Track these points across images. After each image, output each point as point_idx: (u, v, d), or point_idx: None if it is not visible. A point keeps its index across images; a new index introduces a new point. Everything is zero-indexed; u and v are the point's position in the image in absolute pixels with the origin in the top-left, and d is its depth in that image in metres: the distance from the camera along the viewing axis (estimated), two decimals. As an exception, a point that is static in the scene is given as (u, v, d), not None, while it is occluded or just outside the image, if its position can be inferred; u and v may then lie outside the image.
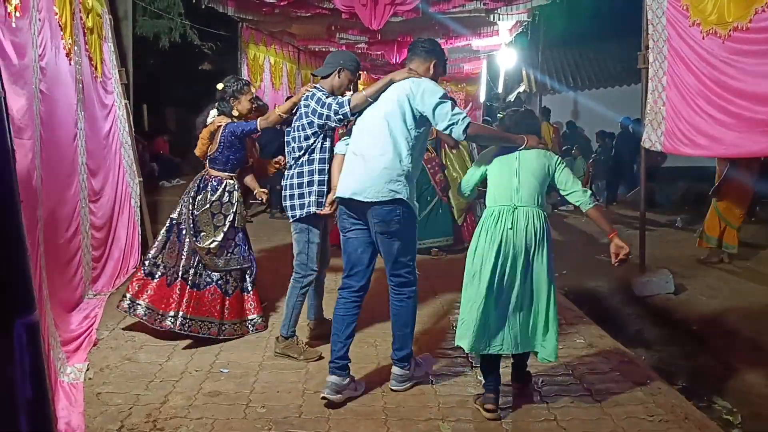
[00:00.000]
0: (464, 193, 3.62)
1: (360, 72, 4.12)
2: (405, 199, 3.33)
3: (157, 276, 4.26)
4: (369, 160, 3.33)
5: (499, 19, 8.87)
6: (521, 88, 13.40)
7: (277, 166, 4.62)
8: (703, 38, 4.75)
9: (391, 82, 3.43)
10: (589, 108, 12.99)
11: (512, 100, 13.74)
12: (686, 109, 5.22)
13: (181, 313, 4.08)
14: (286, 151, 4.01)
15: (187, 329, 4.07)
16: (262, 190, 4.50)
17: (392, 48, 11.18)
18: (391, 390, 3.51)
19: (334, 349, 3.42)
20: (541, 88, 11.57)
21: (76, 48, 4.61)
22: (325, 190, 3.82)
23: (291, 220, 3.95)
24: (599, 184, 11.96)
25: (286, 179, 3.94)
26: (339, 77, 3.81)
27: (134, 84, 7.18)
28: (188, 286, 4.13)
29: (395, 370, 3.53)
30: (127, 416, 3.17)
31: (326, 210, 3.79)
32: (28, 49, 3.35)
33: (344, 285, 3.51)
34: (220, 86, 4.25)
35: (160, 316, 4.13)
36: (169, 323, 4.07)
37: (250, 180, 4.59)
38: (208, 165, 4.28)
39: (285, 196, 3.93)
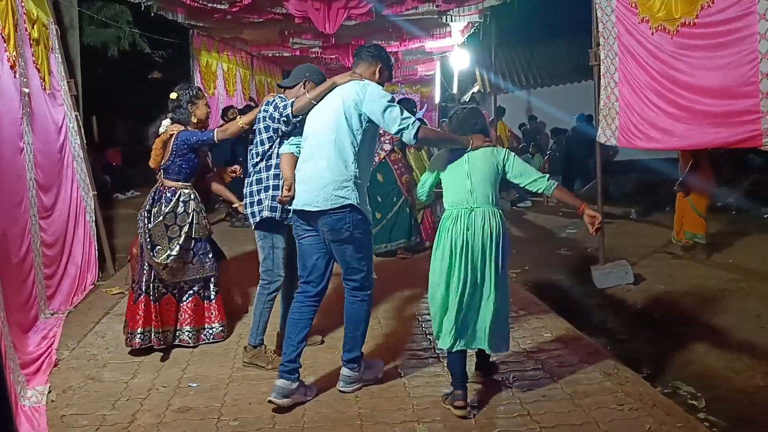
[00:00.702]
0: (421, 198, 3.65)
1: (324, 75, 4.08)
2: (355, 204, 3.32)
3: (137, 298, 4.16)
4: (316, 168, 3.34)
5: (451, 20, 8.95)
6: (475, 89, 13.56)
7: (233, 174, 4.58)
8: (652, 34, 4.88)
9: (334, 85, 3.43)
10: (542, 107, 13.24)
11: (467, 100, 13.88)
12: (638, 104, 5.35)
13: (148, 328, 4.05)
14: (248, 158, 3.98)
15: (147, 342, 4.06)
16: (240, 203, 4.28)
17: (347, 52, 11.15)
18: (339, 391, 3.52)
19: (285, 352, 3.41)
20: (495, 88, 11.72)
21: (20, 60, 4.44)
22: (279, 195, 3.75)
23: (253, 227, 3.91)
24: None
25: (246, 186, 3.91)
26: (304, 89, 3.75)
27: (83, 95, 6.98)
28: (151, 300, 4.08)
29: (344, 371, 3.55)
30: (94, 438, 3.07)
31: (284, 198, 3.62)
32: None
33: (301, 290, 3.51)
34: (173, 95, 4.16)
35: (130, 335, 4.10)
36: (138, 340, 4.05)
37: (222, 190, 4.49)
38: (162, 176, 4.17)
39: (246, 203, 3.90)
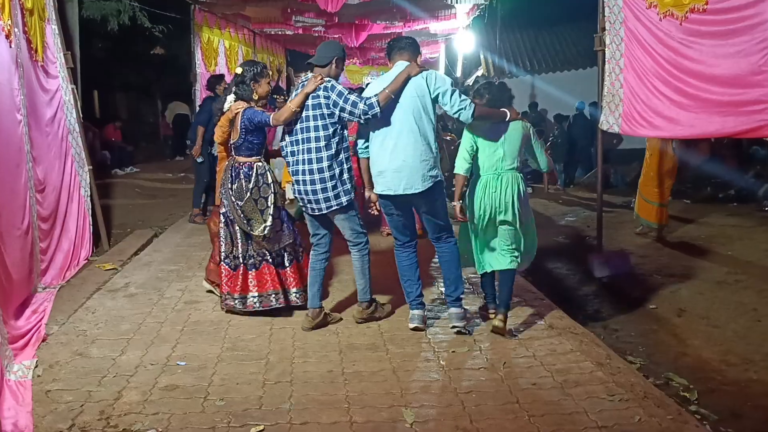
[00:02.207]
0: (464, 165, 4.00)
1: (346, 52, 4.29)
2: (442, 178, 3.92)
3: (239, 267, 4.32)
4: (405, 156, 3.80)
5: (456, 2, 8.83)
6: (479, 72, 13.40)
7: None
8: (660, 20, 4.78)
9: (408, 78, 3.79)
10: (546, 92, 13.10)
11: (470, 84, 13.75)
12: (643, 91, 5.26)
13: (250, 294, 4.28)
14: (287, 142, 4.03)
15: (259, 306, 4.29)
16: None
17: (350, 31, 11.04)
18: (452, 328, 4.04)
19: (410, 291, 4.10)
20: (499, 72, 11.59)
21: (15, 30, 4.36)
22: (352, 174, 4.03)
23: (326, 212, 4.00)
24: (556, 167, 12.09)
25: (305, 174, 3.94)
26: (336, 67, 3.99)
27: (83, 69, 6.89)
28: (248, 269, 4.29)
29: (453, 310, 4.08)
30: (78, 414, 3.04)
31: (374, 212, 4.21)
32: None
33: (406, 247, 4.11)
34: (238, 70, 4.22)
35: (228, 298, 4.33)
36: (235, 304, 4.30)
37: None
38: (233, 153, 4.27)
39: (307, 191, 3.96)
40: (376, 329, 4.17)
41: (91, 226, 6.04)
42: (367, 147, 4.00)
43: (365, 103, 3.76)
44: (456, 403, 3.18)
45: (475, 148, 3.98)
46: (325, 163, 3.89)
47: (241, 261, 4.30)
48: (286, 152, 4.07)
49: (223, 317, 4.36)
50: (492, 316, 4.10)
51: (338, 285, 5.12)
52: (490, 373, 3.53)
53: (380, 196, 3.99)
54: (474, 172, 4.04)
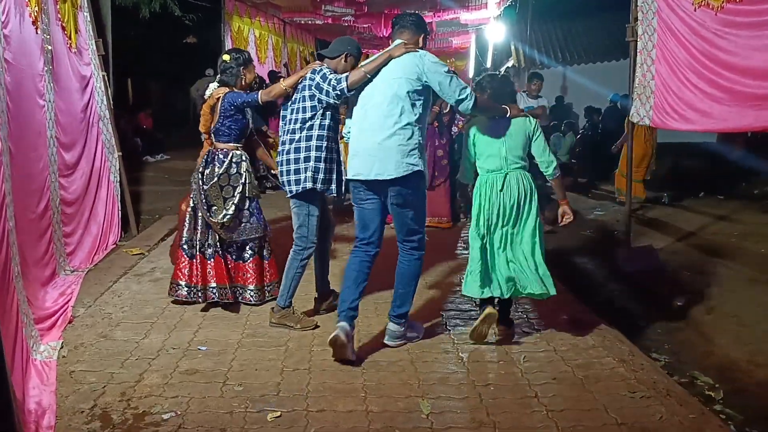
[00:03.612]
0: (468, 173, 3.96)
1: (362, 52, 4.18)
2: (422, 169, 3.53)
3: (195, 256, 4.27)
4: (382, 139, 3.47)
5: (487, -8, 8.72)
6: (510, 63, 13.23)
7: (270, 139, 4.80)
8: (695, 10, 4.64)
9: (390, 58, 3.53)
10: (578, 83, 12.88)
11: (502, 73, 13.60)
12: (676, 83, 5.13)
13: (203, 285, 4.22)
14: (280, 125, 4.01)
15: (195, 298, 4.23)
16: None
17: (379, 21, 11.00)
18: (385, 343, 3.71)
19: (346, 299, 3.60)
20: (530, 63, 11.42)
21: (44, 16, 4.43)
22: (322, 166, 3.83)
23: (288, 196, 3.94)
24: (586, 160, 11.89)
25: (282, 154, 3.93)
26: (344, 62, 3.89)
27: (117, 57, 6.99)
28: (206, 259, 4.22)
29: (391, 326, 3.72)
30: (100, 395, 3.10)
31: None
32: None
33: (363, 249, 3.69)
34: (226, 57, 4.24)
35: (176, 286, 4.28)
36: (184, 293, 4.23)
37: (263, 154, 4.62)
38: (213, 139, 4.25)
39: (281, 171, 3.92)
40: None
41: (120, 212, 6.14)
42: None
43: (335, 79, 3.66)
44: (473, 395, 3.16)
45: (474, 150, 3.82)
46: (303, 144, 3.83)
47: (198, 250, 4.23)
48: (282, 132, 4.02)
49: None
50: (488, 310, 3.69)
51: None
52: (509, 366, 3.50)
53: (351, 181, 3.66)
54: (477, 173, 3.85)
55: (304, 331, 3.92)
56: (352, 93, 3.65)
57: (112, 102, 6.18)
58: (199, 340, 3.79)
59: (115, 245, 5.85)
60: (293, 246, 4.01)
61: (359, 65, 3.71)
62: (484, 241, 3.70)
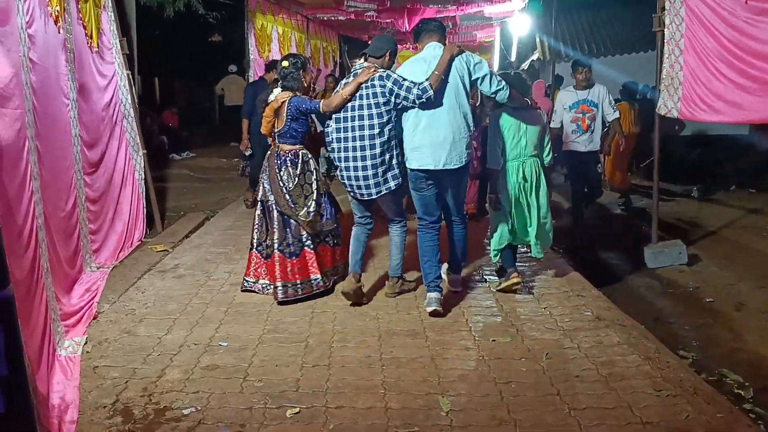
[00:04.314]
0: (498, 160, 4.35)
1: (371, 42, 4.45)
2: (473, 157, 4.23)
3: (272, 255, 4.43)
4: (445, 133, 3.94)
5: (511, -17, 8.59)
6: (534, 56, 13.04)
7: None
8: (724, -2, 4.52)
9: (452, 59, 3.94)
10: (604, 76, 12.60)
11: (525, 68, 13.43)
12: (705, 74, 5.00)
13: (288, 283, 4.33)
14: (333, 127, 4.13)
15: (301, 293, 4.36)
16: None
17: (402, 15, 10.92)
18: (452, 291, 4.45)
19: (430, 272, 4.16)
20: (555, 56, 11.23)
21: (66, 16, 4.48)
22: (396, 163, 4.13)
23: (375, 197, 4.15)
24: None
25: (354, 161, 4.06)
26: (389, 59, 4.20)
27: (145, 56, 7.04)
28: (286, 257, 4.36)
29: (453, 277, 4.52)
30: (122, 390, 3.13)
31: None
32: (11, 15, 3.24)
33: (430, 227, 4.19)
34: (285, 63, 4.40)
35: (272, 288, 4.40)
36: (280, 294, 4.32)
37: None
38: (277, 141, 4.41)
39: (357, 177, 4.08)
40: (416, 315, 4.13)
41: (145, 209, 6.21)
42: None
43: (419, 88, 3.90)
44: (494, 392, 3.12)
45: (503, 139, 4.32)
46: (377, 150, 4.02)
47: (276, 248, 4.36)
48: (331, 139, 4.15)
49: (266, 300, 4.41)
50: (513, 277, 4.43)
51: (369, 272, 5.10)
52: (531, 363, 3.44)
53: (415, 171, 4.05)
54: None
55: (306, 309, 4.24)
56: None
57: (137, 101, 6.25)
58: (220, 336, 3.81)
59: (140, 242, 5.92)
60: (394, 227, 4.36)
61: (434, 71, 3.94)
62: (507, 215, 4.40)
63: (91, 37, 5.04)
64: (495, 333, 3.85)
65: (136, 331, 3.90)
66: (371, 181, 4.06)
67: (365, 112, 4.00)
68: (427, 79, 3.90)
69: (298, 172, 4.35)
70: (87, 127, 4.87)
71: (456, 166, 3.99)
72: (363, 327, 3.95)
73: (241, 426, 2.82)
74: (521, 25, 12.17)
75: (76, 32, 4.76)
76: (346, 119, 4.06)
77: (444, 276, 4.45)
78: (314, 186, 4.40)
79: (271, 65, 7.34)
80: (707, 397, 3.05)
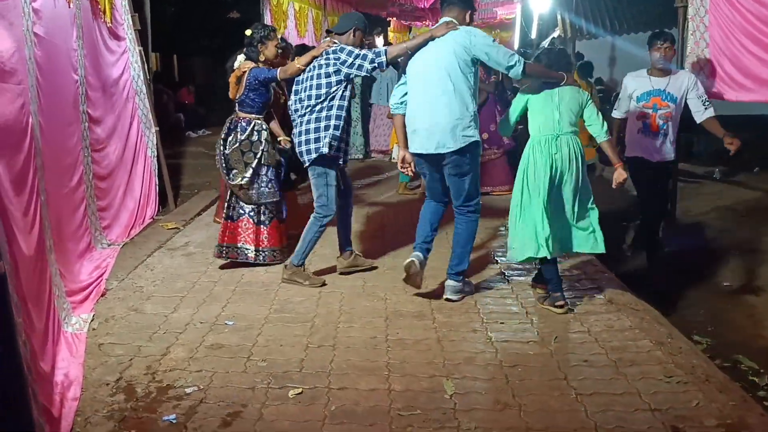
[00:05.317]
0: (508, 128, 4.10)
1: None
2: (477, 139, 3.80)
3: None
4: (439, 115, 3.72)
5: (531, -42, 8.37)
6: (555, 33, 12.77)
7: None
8: (748, -30, 4.33)
9: (431, 38, 3.78)
10: (627, 53, 12.30)
11: (545, 45, 13.18)
12: (731, 50, 4.84)
13: (225, 244, 4.54)
14: (292, 99, 4.22)
15: (225, 256, 4.55)
16: (287, 138, 4.63)
17: (419, -9, 10.75)
18: (446, 299, 3.96)
19: (421, 235, 3.99)
20: (576, 33, 10.97)
21: (77, -11, 4.44)
22: (338, 134, 4.07)
23: (307, 165, 4.17)
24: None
25: (301, 125, 4.13)
26: (353, 36, 4.12)
27: (163, 34, 6.99)
28: (225, 219, 4.57)
29: (450, 283, 3.98)
30: (126, 368, 3.13)
31: (408, 171, 4.06)
32: (12, -12, 3.19)
33: (434, 202, 4.05)
34: (248, 32, 4.44)
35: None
36: (216, 252, 4.59)
37: (274, 125, 4.74)
38: (237, 108, 4.49)
39: (299, 141, 4.15)
40: (424, 297, 4.07)
41: (158, 186, 6.21)
42: (402, 103, 3.96)
43: (374, 53, 3.92)
44: (500, 376, 3.06)
45: (524, 110, 3.95)
46: (323, 113, 4.06)
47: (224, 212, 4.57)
48: (292, 109, 4.24)
49: (274, 279, 4.39)
50: (560, 304, 3.81)
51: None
52: (539, 347, 3.38)
53: (414, 155, 3.94)
54: (529, 136, 3.94)
55: (312, 288, 4.20)
56: (402, 73, 3.96)
57: (150, 78, 6.21)
58: (226, 315, 3.80)
59: (152, 219, 5.93)
60: (314, 213, 4.25)
61: (402, 41, 3.92)
62: (540, 200, 3.75)
63: (104, 12, 4.99)
64: (504, 316, 3.79)
65: (143, 308, 3.90)
66: (303, 147, 4.13)
67: (314, 82, 4.05)
68: (387, 47, 3.97)
69: (242, 138, 4.40)
70: (94, 103, 4.84)
71: (450, 150, 3.73)
72: (370, 308, 3.91)
73: (243, 406, 2.80)
74: (542, 1, 11.90)
75: (85, 7, 4.71)
76: (302, 90, 4.14)
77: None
78: (258, 155, 4.41)
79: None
80: (720, 384, 2.96)
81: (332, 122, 4.05)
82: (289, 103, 4.27)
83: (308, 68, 4.11)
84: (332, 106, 4.05)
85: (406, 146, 3.96)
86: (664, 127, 4.62)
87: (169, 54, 17.73)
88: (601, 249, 3.88)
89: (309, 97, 4.08)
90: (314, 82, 4.06)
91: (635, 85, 4.70)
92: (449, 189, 3.95)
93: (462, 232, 3.99)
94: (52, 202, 3.73)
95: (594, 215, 3.88)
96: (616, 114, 4.88)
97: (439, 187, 3.99)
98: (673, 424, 2.65)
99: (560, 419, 2.71)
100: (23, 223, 3.17)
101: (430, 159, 3.86)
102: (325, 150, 4.03)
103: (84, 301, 3.86)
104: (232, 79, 4.44)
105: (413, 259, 3.84)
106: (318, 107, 4.05)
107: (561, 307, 3.79)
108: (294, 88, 4.21)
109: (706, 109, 4.54)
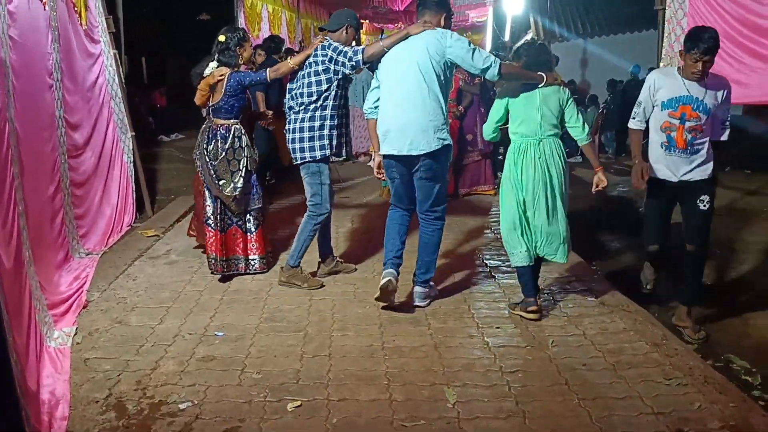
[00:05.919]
0: (490, 132, 3.89)
1: (362, 21, 4.34)
2: (450, 143, 3.73)
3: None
4: (411, 116, 3.62)
5: (506, -39, 8.42)
6: (528, 36, 12.90)
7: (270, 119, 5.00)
8: (730, -26, 4.40)
9: (407, 35, 3.70)
10: (599, 56, 12.49)
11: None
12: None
13: (214, 255, 4.35)
14: (287, 99, 4.19)
15: (225, 270, 4.40)
16: (269, 111, 4.79)
17: (394, -6, 10.73)
18: (415, 306, 3.89)
19: (391, 249, 3.88)
20: (549, 36, 11.10)
21: (53, -8, 4.29)
22: (335, 133, 4.10)
23: (300, 163, 4.15)
24: (608, 135, 11.61)
25: (293, 123, 4.11)
26: (346, 33, 4.08)
27: (132, 35, 6.82)
28: (218, 231, 4.37)
29: (418, 289, 3.93)
30: (115, 383, 3.01)
31: (378, 175, 4.02)
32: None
33: (401, 213, 3.95)
34: (221, 38, 4.28)
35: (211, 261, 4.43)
36: (211, 266, 4.40)
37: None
38: (211, 115, 4.32)
39: (293, 139, 4.11)
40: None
41: (135, 193, 6.05)
42: (377, 107, 3.84)
43: (352, 51, 3.91)
44: (501, 382, 3.03)
45: (505, 114, 3.80)
46: (318, 113, 4.04)
47: (204, 222, 4.41)
48: (287, 106, 4.20)
49: (262, 287, 4.29)
50: (533, 309, 3.71)
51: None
52: (536, 351, 3.36)
53: (384, 156, 3.81)
54: (511, 140, 3.82)
55: (310, 290, 4.18)
56: (368, 65, 3.93)
57: (124, 81, 6.05)
58: (216, 325, 3.69)
59: (129, 227, 5.76)
60: (307, 211, 4.22)
61: (377, 40, 3.92)
62: (517, 204, 3.72)
63: (80, 15, 4.83)
64: (498, 320, 3.76)
65: (127, 320, 3.77)
66: (296, 145, 4.10)
67: (310, 80, 4.03)
68: (365, 46, 3.94)
69: (226, 147, 4.26)
70: (72, 108, 4.68)
71: (423, 152, 3.62)
72: (363, 314, 3.84)
73: (240, 421, 2.72)
74: (515, 4, 12.01)
75: (60, 9, 4.55)
76: (296, 88, 4.10)
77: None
78: (243, 162, 4.30)
79: (264, 43, 7.14)
80: (718, 385, 2.98)
81: (327, 122, 4.06)
82: (285, 99, 4.23)
83: (303, 66, 4.06)
84: (326, 106, 4.04)
85: (379, 149, 3.86)
86: (694, 144, 3.67)
87: (137, 55, 17.40)
88: (562, 260, 3.80)
89: (302, 95, 4.06)
90: (309, 80, 4.03)
91: (664, 84, 3.71)
92: (413, 192, 3.86)
93: (429, 241, 3.91)
94: (30, 211, 3.59)
95: (566, 223, 3.74)
96: (635, 124, 3.90)
97: (408, 193, 3.87)
98: (678, 427, 2.65)
99: (566, 425, 2.69)
100: (1, 235, 3.04)
101: (402, 161, 3.73)
102: (327, 152, 4.08)
103: (65, 313, 3.72)
104: (202, 86, 4.26)
105: (390, 278, 3.76)
106: (312, 106, 4.04)
107: (534, 312, 3.68)
108: (289, 86, 4.19)
109: (722, 130, 3.78)
